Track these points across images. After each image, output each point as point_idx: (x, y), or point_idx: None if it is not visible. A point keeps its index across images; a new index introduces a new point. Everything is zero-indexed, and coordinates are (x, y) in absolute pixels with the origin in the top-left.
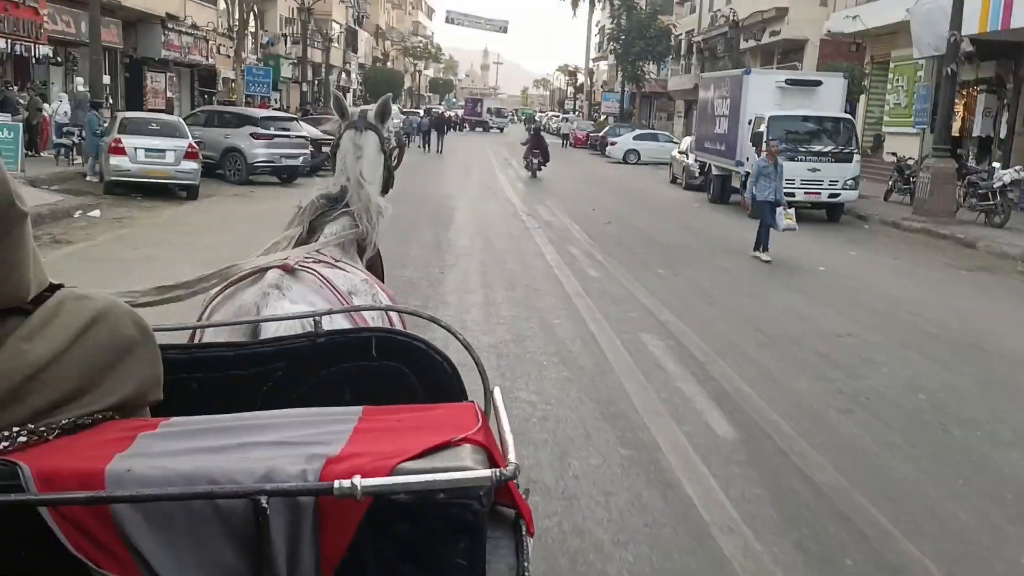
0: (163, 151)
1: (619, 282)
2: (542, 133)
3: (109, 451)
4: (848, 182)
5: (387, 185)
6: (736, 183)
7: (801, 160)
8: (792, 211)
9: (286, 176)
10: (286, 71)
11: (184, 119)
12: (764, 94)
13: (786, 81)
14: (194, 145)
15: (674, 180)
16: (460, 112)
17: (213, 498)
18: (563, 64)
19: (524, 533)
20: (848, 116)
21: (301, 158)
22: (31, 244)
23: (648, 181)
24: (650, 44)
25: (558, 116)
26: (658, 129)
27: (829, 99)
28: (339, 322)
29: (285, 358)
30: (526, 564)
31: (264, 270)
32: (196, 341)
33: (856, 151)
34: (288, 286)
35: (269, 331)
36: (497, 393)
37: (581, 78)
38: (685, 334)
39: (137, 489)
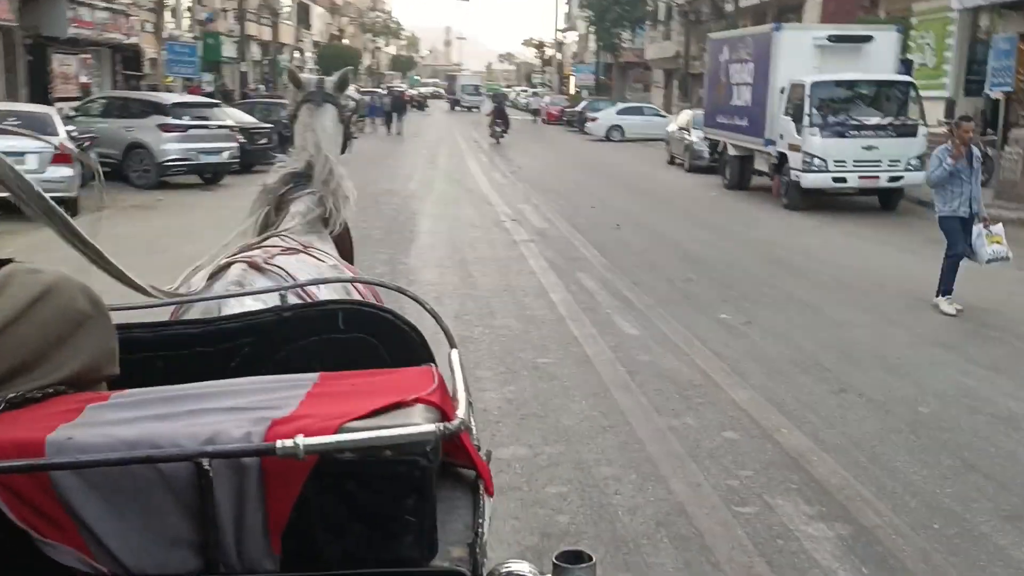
0: (21, 155)
1: (673, 346)
2: (504, 106)
3: (55, 422)
4: (912, 161)
5: (344, 148)
6: (762, 165)
7: (853, 136)
8: (1000, 228)
9: (210, 176)
10: (229, 50)
11: (76, 109)
12: (799, 55)
13: (828, 38)
14: (66, 145)
15: (673, 161)
16: (424, 91)
17: (153, 462)
18: (528, 38)
19: (482, 493)
20: (909, 79)
21: (227, 153)
22: None
23: (642, 162)
24: (627, 9)
25: (526, 91)
26: (635, 101)
27: (879, 58)
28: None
29: (252, 333)
30: (482, 523)
31: (229, 265)
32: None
33: (922, 122)
34: (251, 282)
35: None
36: (454, 355)
37: (549, 51)
38: (846, 488)
39: (76, 456)
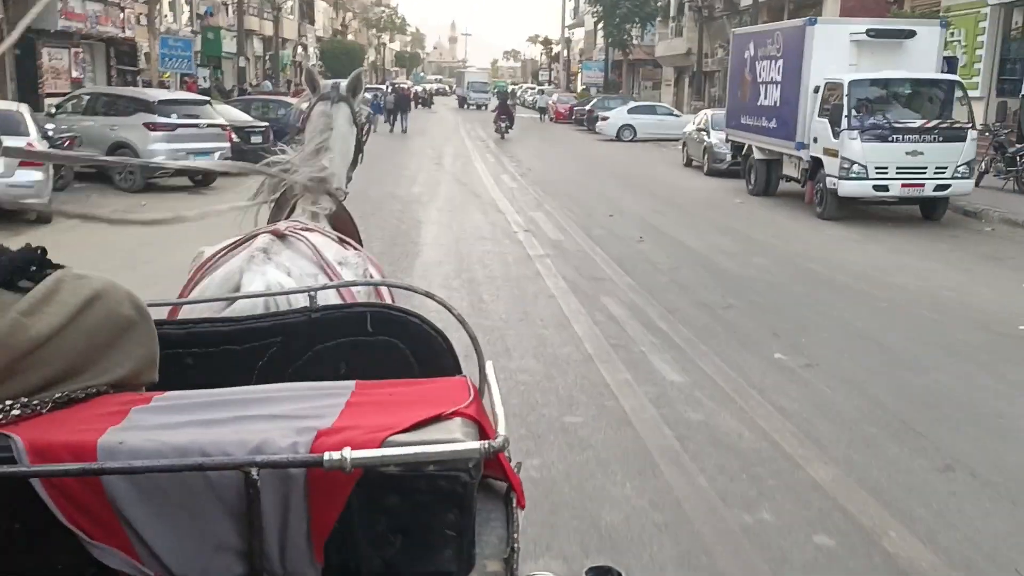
0: None
1: (725, 398)
2: (509, 103)
3: (103, 424)
4: (960, 168)
5: (355, 162)
6: (791, 170)
7: (896, 140)
8: None
9: (200, 178)
10: (230, 45)
11: (57, 106)
12: (835, 51)
13: (867, 32)
14: (32, 144)
15: (690, 163)
16: (430, 87)
17: (204, 470)
18: (534, 34)
19: (515, 506)
20: (956, 78)
21: (218, 153)
22: None
23: (657, 165)
24: (637, 4)
25: (533, 88)
26: (645, 100)
27: (921, 56)
28: (328, 296)
29: (281, 333)
30: (516, 536)
31: (255, 235)
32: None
33: (972, 126)
34: (277, 251)
35: (252, 291)
36: (489, 367)
37: (556, 48)
38: None
39: (129, 461)
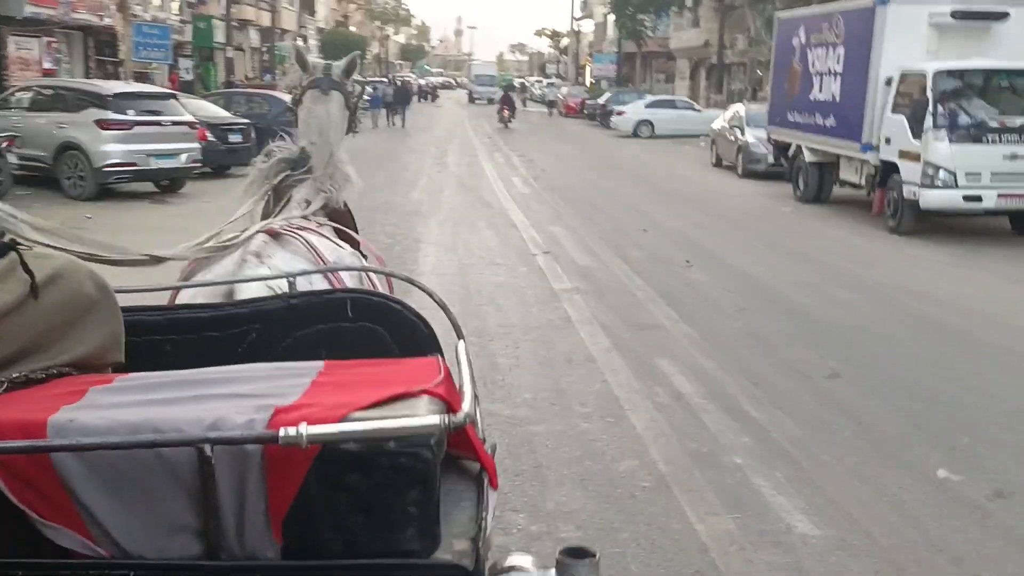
0: None
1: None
2: (512, 95)
3: (58, 404)
4: None
5: (350, 129)
6: (851, 175)
7: (991, 142)
8: None
9: (167, 183)
10: (223, 36)
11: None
12: (910, 36)
13: (952, 15)
14: None
15: (719, 163)
16: (434, 81)
17: (156, 447)
18: (540, 28)
19: (487, 486)
20: None
21: (185, 155)
22: None
23: (683, 165)
24: None
25: (541, 82)
26: (658, 94)
27: (1014, 41)
28: (318, 286)
29: (260, 320)
30: (486, 516)
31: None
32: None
33: None
34: (270, 253)
35: (240, 295)
36: (461, 346)
37: (565, 40)
38: None
39: (77, 439)
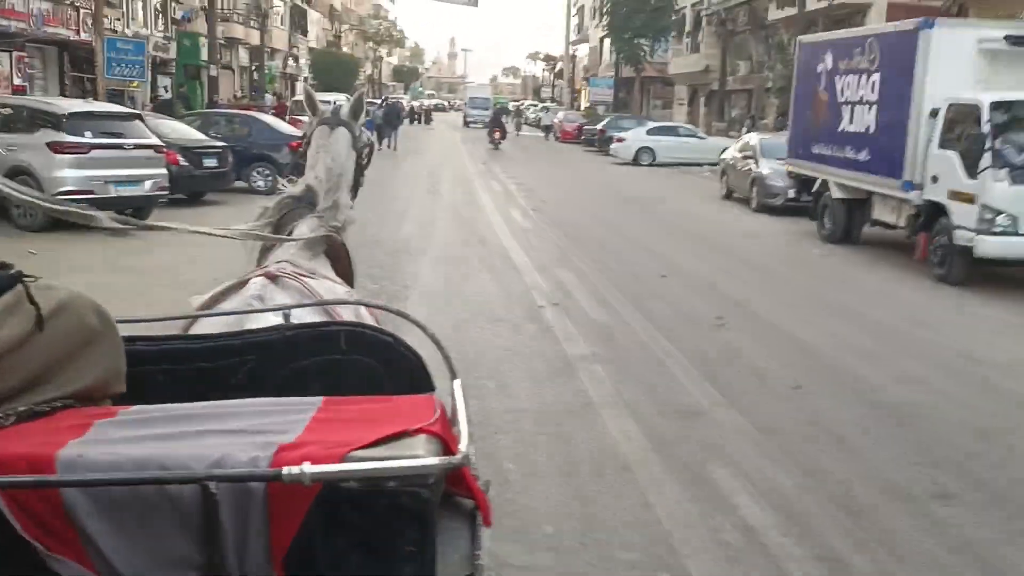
0: None
1: None
2: (502, 118)
3: (64, 437)
4: None
5: (356, 185)
6: (886, 214)
7: None
8: None
9: (130, 212)
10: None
11: None
12: (958, 64)
13: (1006, 39)
14: None
15: (730, 195)
16: (427, 103)
17: (161, 483)
18: (534, 51)
19: (479, 523)
20: None
21: (150, 182)
22: None
23: (691, 196)
24: (652, 17)
25: (536, 106)
26: (655, 120)
27: None
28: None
29: (254, 351)
30: (479, 554)
31: (247, 280)
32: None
33: None
34: (271, 297)
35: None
36: (457, 385)
37: (560, 64)
38: None
39: (86, 474)
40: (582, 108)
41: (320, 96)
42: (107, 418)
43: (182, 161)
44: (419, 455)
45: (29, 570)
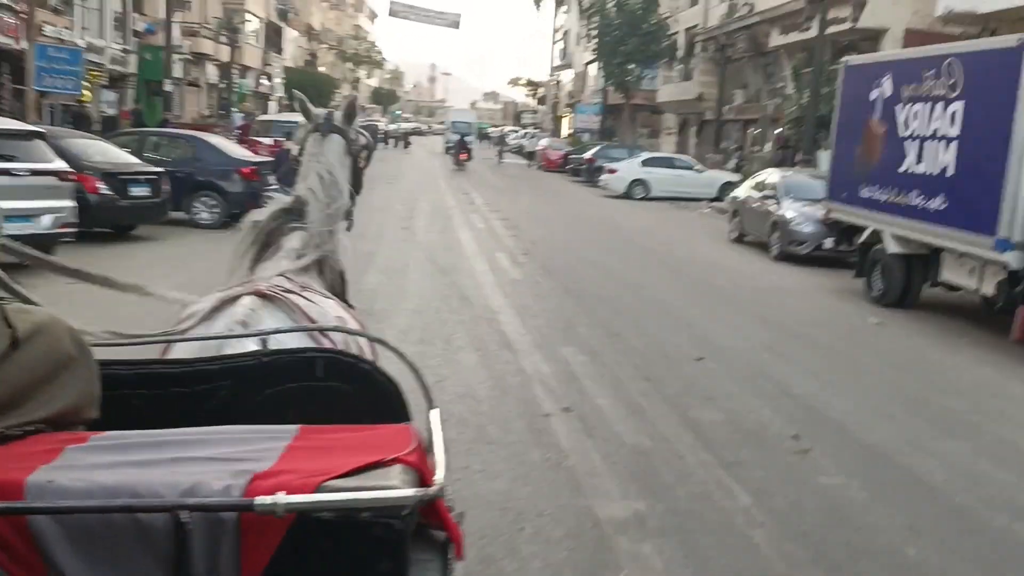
0: None
1: None
2: (466, 140)
3: (34, 463)
4: None
5: (356, 189)
6: (960, 275)
7: None
8: None
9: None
10: (175, 69)
11: None
12: None
13: None
14: None
15: (741, 238)
16: (405, 127)
17: (132, 511)
18: (515, 77)
19: (452, 557)
20: None
21: (50, 217)
22: None
23: (697, 238)
24: (645, 42)
25: (516, 131)
26: (644, 148)
27: None
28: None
29: (230, 376)
30: None
31: (236, 297)
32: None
33: None
34: (260, 318)
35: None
36: (434, 415)
37: (542, 90)
38: None
39: (55, 501)
40: (563, 135)
41: (293, 117)
42: (78, 443)
43: (103, 189)
44: (394, 485)
45: None
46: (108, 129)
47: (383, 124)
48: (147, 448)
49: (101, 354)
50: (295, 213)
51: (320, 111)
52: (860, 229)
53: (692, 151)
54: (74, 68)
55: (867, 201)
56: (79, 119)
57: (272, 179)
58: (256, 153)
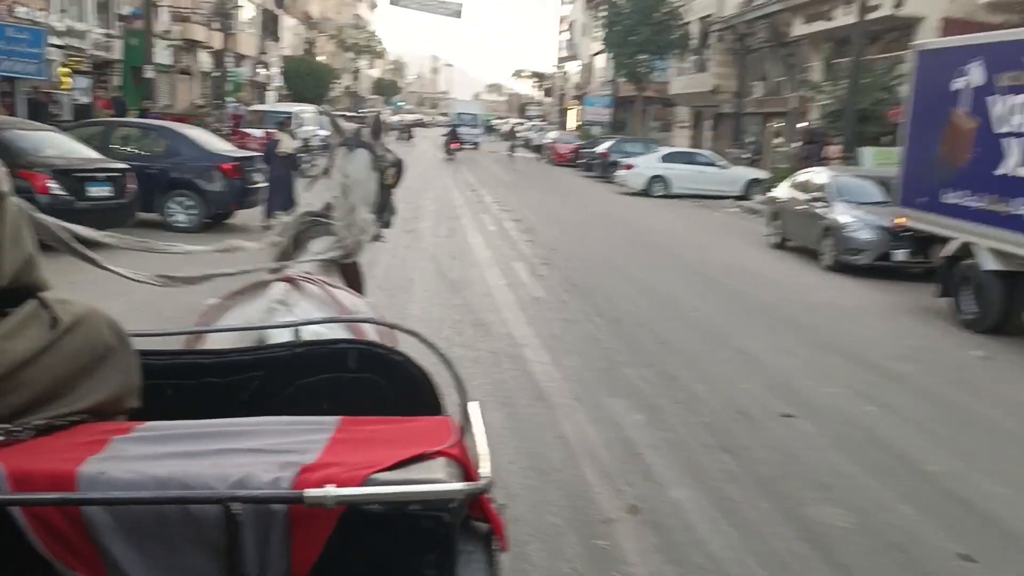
0: None
1: None
2: (458, 131)
3: (83, 453)
4: None
5: (384, 207)
6: None
7: None
8: None
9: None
10: (164, 56)
11: None
12: None
13: None
14: None
15: (783, 244)
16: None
17: (185, 503)
18: (519, 69)
19: (496, 547)
20: None
21: None
22: (10, 228)
23: (734, 242)
24: (657, 32)
25: (523, 124)
26: (656, 141)
27: None
28: (327, 335)
29: (263, 367)
30: None
31: (267, 282)
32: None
33: None
34: (295, 301)
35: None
36: (474, 407)
37: (548, 82)
38: None
39: (109, 492)
40: (570, 128)
41: (288, 107)
42: (124, 434)
43: (55, 189)
44: (440, 478)
45: None
46: (80, 119)
47: (388, 111)
48: (191, 439)
49: (137, 345)
50: (320, 217)
51: (350, 126)
52: (937, 239)
53: (706, 145)
54: (35, 50)
55: (954, 208)
56: (35, 107)
57: (260, 176)
58: (244, 147)
